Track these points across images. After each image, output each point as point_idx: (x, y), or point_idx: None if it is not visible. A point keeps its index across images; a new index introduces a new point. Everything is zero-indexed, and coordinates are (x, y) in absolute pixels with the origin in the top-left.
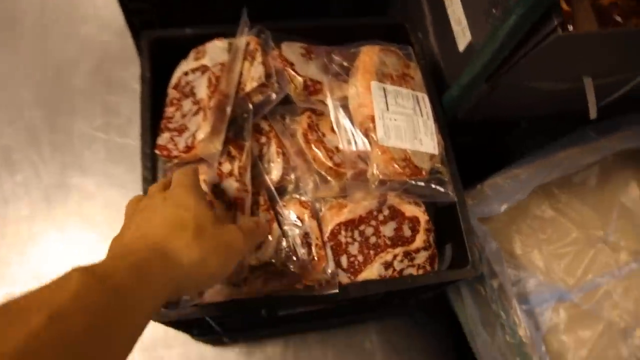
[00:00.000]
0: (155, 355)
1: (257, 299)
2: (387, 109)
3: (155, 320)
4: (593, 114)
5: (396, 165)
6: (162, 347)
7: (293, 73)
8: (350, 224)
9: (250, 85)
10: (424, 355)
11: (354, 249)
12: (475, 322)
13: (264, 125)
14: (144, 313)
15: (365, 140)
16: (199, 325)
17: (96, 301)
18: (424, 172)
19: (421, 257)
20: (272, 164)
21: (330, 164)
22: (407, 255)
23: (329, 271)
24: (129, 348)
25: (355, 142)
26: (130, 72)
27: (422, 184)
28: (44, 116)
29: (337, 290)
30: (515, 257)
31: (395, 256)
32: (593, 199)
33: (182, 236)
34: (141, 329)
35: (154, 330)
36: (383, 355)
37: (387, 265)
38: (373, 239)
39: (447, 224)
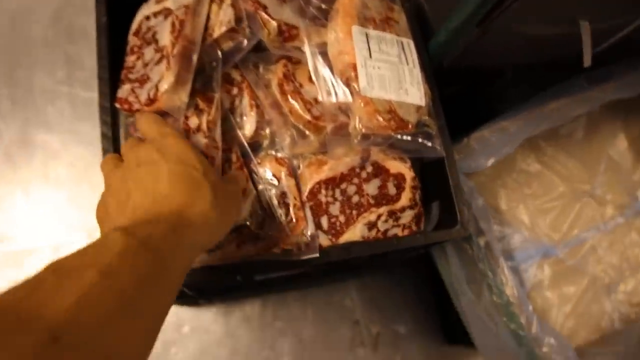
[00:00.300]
0: None
1: (232, 264)
2: (370, 57)
3: None
4: (587, 61)
5: (380, 118)
6: None
7: (266, 17)
8: (331, 182)
9: (218, 30)
10: (406, 312)
11: (335, 209)
12: (460, 281)
13: (235, 75)
14: (179, 273)
15: (347, 91)
16: None
17: (140, 261)
18: (410, 125)
19: (407, 217)
20: (244, 118)
21: (308, 117)
22: (392, 214)
23: (309, 233)
24: (169, 303)
25: (336, 93)
26: (93, 19)
27: (408, 138)
28: (0, 70)
29: (317, 254)
30: (501, 213)
31: (379, 216)
32: (580, 152)
33: (201, 198)
34: (178, 287)
35: None
36: (363, 312)
37: (371, 225)
38: (355, 198)
39: (434, 180)
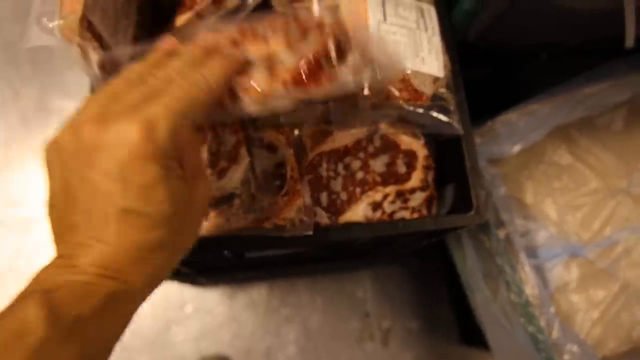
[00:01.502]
0: None
1: (218, 238)
2: (385, 20)
3: None
4: (630, 42)
5: (392, 87)
6: None
7: None
8: (334, 155)
9: None
10: (419, 308)
11: (336, 184)
12: (476, 276)
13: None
14: (110, 350)
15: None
16: None
17: (61, 356)
18: (424, 97)
19: (417, 199)
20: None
21: None
22: (400, 195)
23: (304, 209)
24: None
25: None
26: None
27: (422, 110)
28: (23, 32)
29: (311, 232)
30: (526, 206)
31: (385, 196)
32: (617, 145)
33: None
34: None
35: None
36: (375, 305)
37: (376, 206)
38: (360, 175)
39: (450, 161)
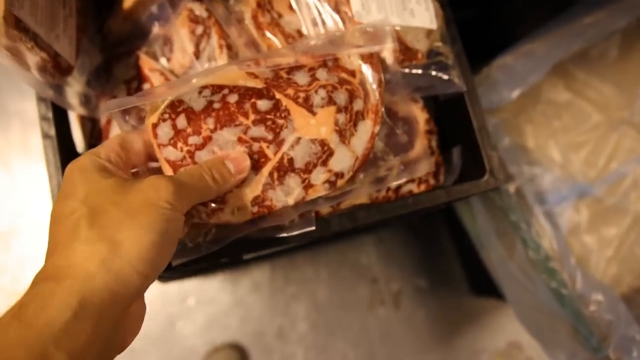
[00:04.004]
0: None
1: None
2: None
3: None
4: None
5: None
6: None
7: None
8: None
9: None
10: (427, 266)
11: None
12: (488, 235)
13: (200, 11)
14: None
15: (337, 18)
16: None
17: None
18: (419, 55)
19: (422, 169)
20: (213, 62)
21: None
22: (405, 167)
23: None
24: None
25: (323, 22)
26: None
27: (419, 71)
28: None
29: (313, 227)
30: (528, 152)
31: (389, 170)
32: (615, 74)
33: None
34: None
35: None
36: (381, 269)
37: (379, 182)
38: None
39: (453, 121)
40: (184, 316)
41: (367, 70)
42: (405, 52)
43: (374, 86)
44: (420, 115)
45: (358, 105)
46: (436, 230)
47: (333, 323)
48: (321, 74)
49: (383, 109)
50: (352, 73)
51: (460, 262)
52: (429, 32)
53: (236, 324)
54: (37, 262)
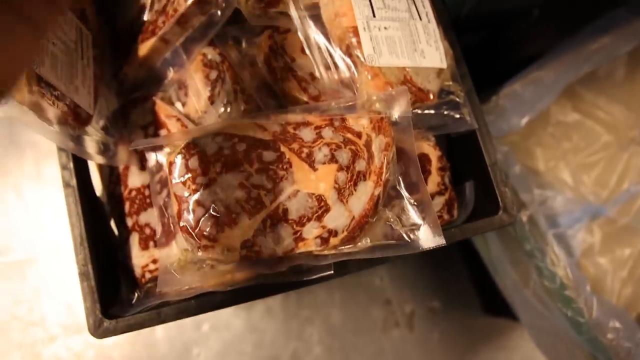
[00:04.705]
0: None
1: (225, 293)
2: (374, 15)
3: (101, 336)
4: None
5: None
6: None
7: None
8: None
9: (184, 3)
10: (439, 287)
11: None
12: (502, 263)
13: (213, 56)
14: None
15: (349, 61)
16: None
17: None
18: (431, 95)
19: (436, 205)
20: (228, 108)
21: (305, 97)
22: (418, 205)
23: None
24: None
25: (336, 65)
26: None
27: (432, 111)
28: None
29: (332, 271)
30: (539, 175)
31: (402, 207)
32: (623, 94)
33: None
34: None
35: None
36: (394, 291)
37: (395, 217)
38: None
39: (465, 155)
40: (199, 343)
41: (374, 133)
42: (417, 93)
43: (380, 149)
44: (432, 152)
45: (360, 165)
46: (448, 252)
47: (348, 346)
48: (327, 132)
49: (389, 176)
50: (359, 134)
51: (473, 283)
52: (440, 72)
53: (250, 350)
54: (52, 291)
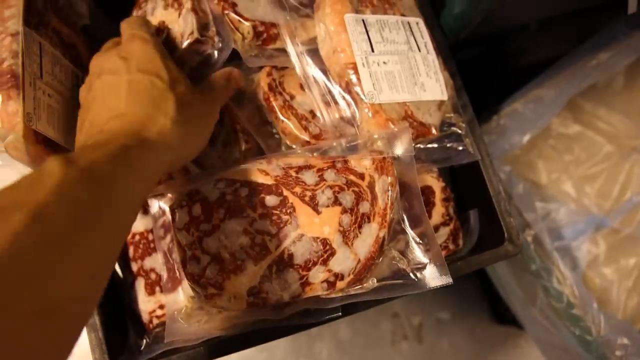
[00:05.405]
0: None
1: (233, 337)
2: (372, 50)
3: None
4: (633, 7)
5: (395, 129)
6: None
7: (236, 17)
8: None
9: (180, 44)
10: (447, 298)
11: None
12: (509, 283)
13: None
14: (132, 204)
15: (349, 98)
16: None
17: (80, 194)
18: (433, 129)
19: (441, 236)
20: (227, 148)
21: (305, 136)
22: (422, 238)
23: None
24: (118, 242)
25: (335, 102)
26: None
27: (434, 145)
28: None
29: (339, 313)
30: (541, 188)
31: (407, 243)
32: (622, 104)
33: (163, 113)
34: (130, 222)
35: None
36: (402, 304)
37: (400, 255)
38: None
39: (469, 186)
40: None
41: (377, 174)
42: (419, 128)
43: (384, 190)
44: (435, 184)
45: (364, 207)
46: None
47: None
48: (329, 175)
49: (393, 215)
50: (361, 176)
51: (480, 292)
52: (441, 104)
53: None
54: None
